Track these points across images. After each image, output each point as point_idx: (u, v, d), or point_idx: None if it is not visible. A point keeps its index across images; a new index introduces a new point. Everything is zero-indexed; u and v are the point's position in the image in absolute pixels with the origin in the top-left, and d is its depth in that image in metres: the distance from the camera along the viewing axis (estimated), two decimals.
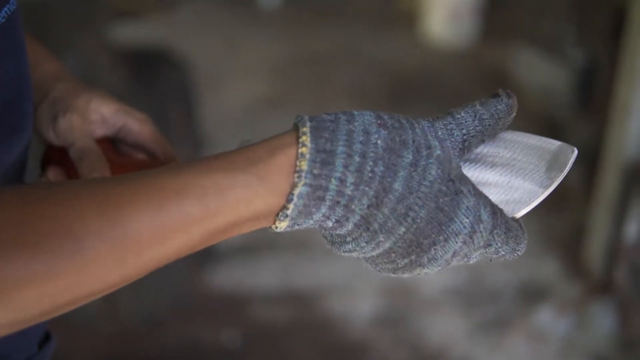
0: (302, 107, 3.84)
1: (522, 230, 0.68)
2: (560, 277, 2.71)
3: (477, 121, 0.67)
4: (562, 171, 0.70)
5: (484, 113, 0.68)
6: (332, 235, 0.66)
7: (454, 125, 0.66)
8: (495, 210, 0.66)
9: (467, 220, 0.63)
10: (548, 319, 2.52)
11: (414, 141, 0.63)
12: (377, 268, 0.68)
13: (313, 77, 4.20)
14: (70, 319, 2.42)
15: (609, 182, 2.54)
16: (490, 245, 0.66)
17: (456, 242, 0.63)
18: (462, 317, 2.56)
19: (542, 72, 3.43)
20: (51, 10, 2.18)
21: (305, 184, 0.60)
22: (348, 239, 0.65)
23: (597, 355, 2.39)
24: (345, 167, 0.61)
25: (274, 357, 2.41)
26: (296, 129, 0.63)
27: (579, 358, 2.39)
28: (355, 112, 0.64)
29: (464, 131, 0.67)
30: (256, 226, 0.63)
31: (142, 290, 2.44)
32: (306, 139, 0.61)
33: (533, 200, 0.70)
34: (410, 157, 0.62)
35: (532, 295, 2.64)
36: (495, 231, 0.65)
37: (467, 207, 0.63)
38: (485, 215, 0.64)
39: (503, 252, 0.67)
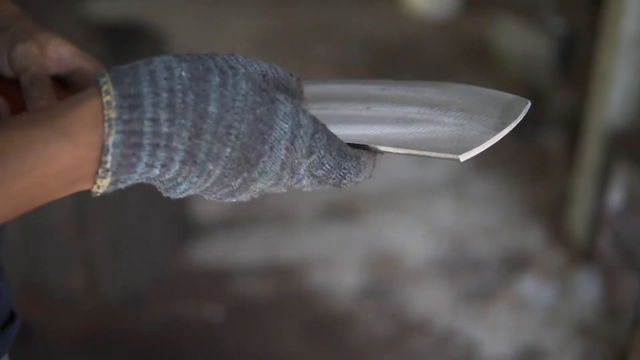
0: None
1: (357, 159, 0.69)
2: (544, 246, 2.71)
3: (273, 68, 0.70)
4: (516, 118, 0.70)
5: (278, 68, 0.71)
6: (162, 182, 0.65)
7: (253, 61, 0.68)
8: (316, 118, 0.67)
9: (287, 126, 0.64)
10: (531, 288, 2.52)
11: (217, 65, 0.63)
12: (215, 197, 0.68)
13: (295, 50, 4.16)
14: (50, 294, 2.42)
15: (591, 150, 2.54)
16: (312, 152, 0.66)
17: (280, 150, 0.64)
18: (446, 288, 2.56)
19: (522, 41, 3.42)
20: None
21: (117, 132, 0.59)
22: (179, 179, 0.64)
23: (581, 323, 2.40)
24: (155, 105, 0.60)
25: (257, 332, 2.41)
26: (97, 83, 0.60)
27: (563, 327, 2.40)
28: (153, 57, 0.63)
29: (263, 67, 0.69)
30: (75, 186, 0.61)
31: (122, 265, 2.42)
32: (108, 87, 0.59)
33: (485, 141, 0.70)
34: (217, 79, 0.62)
35: (515, 264, 2.64)
36: (317, 136, 0.66)
37: (285, 112, 0.64)
38: (304, 120, 0.65)
39: (329, 166, 0.68)
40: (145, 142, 0.60)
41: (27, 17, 0.86)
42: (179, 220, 2.66)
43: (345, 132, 0.71)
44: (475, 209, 2.91)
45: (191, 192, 0.66)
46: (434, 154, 0.69)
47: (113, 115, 0.58)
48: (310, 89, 0.75)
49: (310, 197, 2.87)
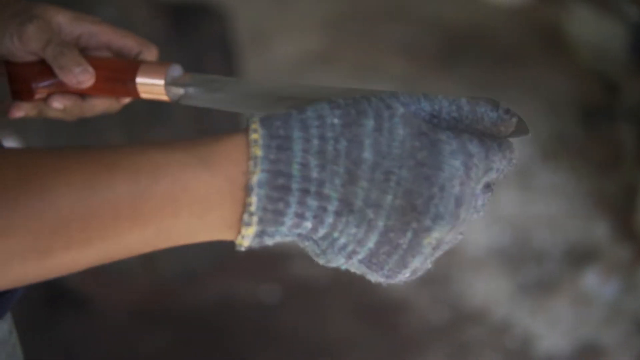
0: (351, 63, 3.79)
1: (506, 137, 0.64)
2: (610, 239, 2.64)
3: (454, 107, 0.62)
4: None
5: (464, 105, 0.62)
6: (317, 243, 0.60)
7: (422, 98, 0.61)
8: (482, 137, 0.61)
9: (457, 162, 0.58)
10: (594, 282, 2.46)
11: (372, 107, 0.58)
12: (386, 271, 0.62)
13: (363, 32, 4.14)
14: (107, 268, 2.44)
15: None
16: (491, 169, 0.61)
17: (453, 187, 0.58)
18: (506, 278, 2.51)
19: (596, 29, 3.34)
20: None
21: (263, 171, 0.56)
22: (335, 234, 0.59)
23: None
24: (305, 151, 0.56)
25: (311, 314, 2.40)
26: (246, 123, 0.58)
27: (625, 323, 2.34)
28: (306, 105, 0.59)
29: (435, 107, 0.62)
30: (215, 230, 0.58)
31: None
32: (256, 126, 0.57)
33: None
34: (372, 122, 0.57)
35: (579, 257, 2.58)
36: (490, 153, 0.60)
37: (452, 150, 0.58)
38: (474, 148, 0.59)
39: (503, 168, 0.62)
40: (294, 186, 0.56)
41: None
42: None
43: None
44: (540, 199, 2.85)
45: (350, 249, 0.60)
46: None
47: (259, 153, 0.56)
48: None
49: None
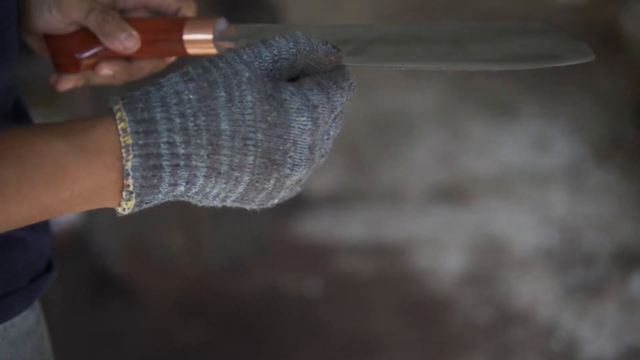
0: None
1: (342, 66, 0.68)
2: None
3: (291, 43, 0.66)
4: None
5: (300, 38, 0.67)
6: (191, 197, 0.65)
7: (262, 48, 0.65)
8: (319, 81, 0.65)
9: (304, 118, 0.64)
10: None
11: (221, 76, 0.63)
12: (257, 202, 0.68)
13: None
14: (153, 256, 2.46)
15: None
16: (335, 108, 0.66)
17: (305, 139, 0.64)
18: (553, 280, 2.48)
19: None
20: None
21: (135, 156, 0.60)
22: (207, 189, 0.64)
23: None
24: (170, 130, 0.60)
25: (354, 309, 2.39)
26: (110, 110, 0.61)
27: None
28: (162, 79, 0.63)
29: (274, 52, 0.65)
30: (97, 204, 0.62)
31: (226, 232, 2.44)
32: (122, 114, 0.60)
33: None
34: (223, 94, 0.62)
35: (628, 261, 2.53)
36: (331, 95, 0.65)
37: (297, 108, 0.63)
38: (315, 98, 0.64)
39: (346, 99, 0.67)
40: (165, 163, 0.61)
41: None
42: None
43: None
44: (591, 200, 2.80)
45: (223, 196, 0.66)
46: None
47: (129, 141, 0.60)
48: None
49: (420, 177, 2.82)
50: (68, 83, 0.83)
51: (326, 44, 0.68)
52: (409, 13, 4.24)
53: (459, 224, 2.70)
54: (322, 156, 0.68)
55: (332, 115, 0.66)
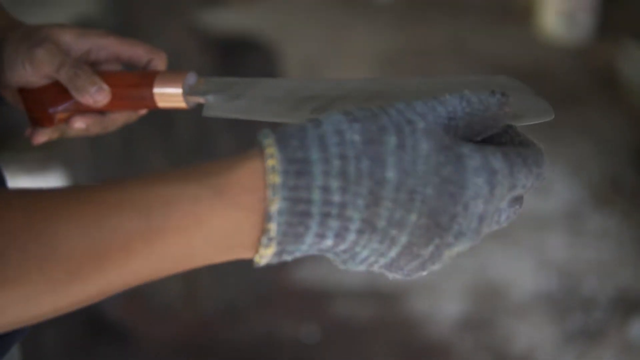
0: None
1: (537, 146, 0.62)
2: None
3: (464, 102, 0.60)
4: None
5: (471, 97, 0.60)
6: (337, 254, 0.59)
7: (436, 103, 0.59)
8: (506, 151, 0.59)
9: (481, 180, 0.56)
10: None
11: (392, 122, 0.56)
12: (405, 272, 0.61)
13: (419, 70, 4.13)
14: (149, 302, 2.45)
15: None
16: (515, 186, 0.59)
17: (477, 206, 0.57)
18: (551, 325, 2.46)
19: None
20: None
21: (282, 199, 0.54)
22: (357, 248, 0.57)
23: None
24: (326, 173, 0.54)
25: (352, 355, 2.37)
26: (259, 143, 0.56)
27: None
28: (322, 117, 0.57)
29: (449, 108, 0.59)
30: (232, 253, 0.57)
31: (223, 278, 2.43)
32: (273, 150, 0.54)
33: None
34: (394, 139, 0.55)
35: (628, 306, 2.52)
36: (515, 169, 0.59)
37: (475, 167, 0.57)
38: (497, 164, 0.57)
39: (530, 184, 0.61)
40: (315, 210, 0.54)
41: (16, 20, 0.84)
42: None
43: None
44: (590, 245, 2.80)
45: (373, 259, 0.59)
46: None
47: (278, 180, 0.54)
48: None
49: None
50: (43, 136, 0.83)
51: (494, 95, 0.62)
52: (410, 55, 4.27)
53: (457, 268, 2.69)
54: (481, 235, 0.61)
55: (510, 194, 0.60)
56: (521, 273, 2.66)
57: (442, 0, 5.08)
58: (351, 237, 0.56)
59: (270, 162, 0.54)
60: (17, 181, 2.47)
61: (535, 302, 2.55)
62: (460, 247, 0.59)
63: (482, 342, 2.40)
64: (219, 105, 0.75)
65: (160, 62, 0.83)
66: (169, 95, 0.79)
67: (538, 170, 0.60)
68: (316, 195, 0.54)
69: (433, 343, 2.39)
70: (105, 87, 0.78)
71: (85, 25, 2.13)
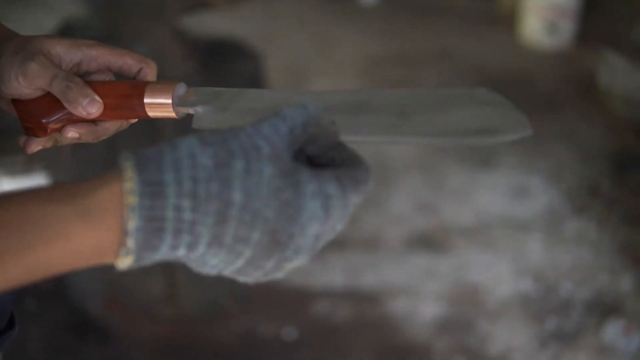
0: None
1: (364, 164, 0.67)
2: (634, 293, 2.62)
3: (301, 110, 0.66)
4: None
5: (310, 106, 0.66)
6: (191, 261, 0.64)
7: (278, 121, 0.65)
8: (339, 175, 0.64)
9: (317, 204, 0.62)
10: (617, 335, 2.44)
11: (241, 147, 0.62)
12: (249, 278, 0.67)
13: (403, 76, 4.16)
14: (130, 302, 2.47)
15: None
16: (347, 205, 0.65)
17: (312, 226, 0.63)
18: (528, 328, 2.50)
19: (629, 78, 3.33)
20: (125, 2, 2.21)
21: (139, 217, 0.59)
22: (207, 257, 0.63)
23: None
24: (178, 194, 0.60)
25: (331, 355, 2.40)
26: (119, 167, 0.61)
27: None
28: (178, 141, 0.62)
29: (288, 123, 0.65)
30: (96, 261, 0.62)
31: (204, 278, 2.45)
32: (130, 173, 0.60)
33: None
34: (241, 163, 0.61)
35: (603, 309, 2.56)
36: (347, 191, 0.64)
37: (312, 192, 0.62)
38: (331, 189, 0.63)
39: (359, 199, 0.66)
40: (168, 226, 0.60)
41: (9, 31, 0.87)
42: None
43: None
44: (567, 249, 2.84)
45: (221, 267, 0.65)
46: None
47: (134, 201, 0.59)
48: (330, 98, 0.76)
49: (399, 225, 2.85)
50: (37, 145, 0.86)
51: (326, 118, 0.68)
52: (394, 61, 4.29)
53: (436, 271, 2.72)
54: (318, 250, 0.67)
55: (343, 212, 0.65)
56: (499, 276, 2.69)
57: (426, 6, 5.11)
58: (201, 249, 0.62)
59: (128, 185, 0.59)
60: (0, 184, 2.48)
61: (512, 305, 2.58)
62: (299, 261, 0.65)
63: (460, 344, 2.43)
64: (208, 117, 0.80)
65: (150, 72, 0.86)
66: (159, 105, 0.82)
67: (366, 188, 0.66)
68: (169, 213, 0.59)
69: (411, 344, 2.42)
70: (97, 98, 0.82)
71: (71, 28, 2.14)
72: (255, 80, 2.48)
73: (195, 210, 0.60)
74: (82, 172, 2.22)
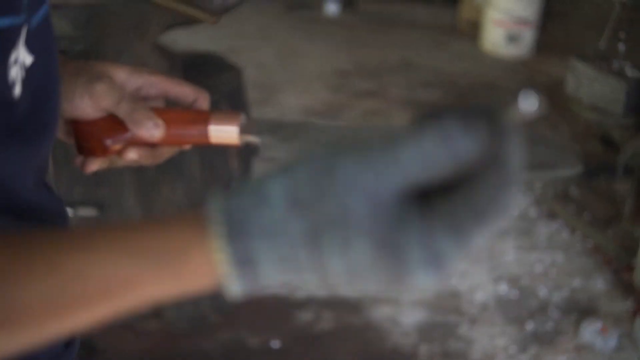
0: (358, 117, 3.85)
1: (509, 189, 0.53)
2: (609, 293, 2.68)
3: (442, 146, 0.53)
4: None
5: (455, 131, 0.53)
6: None
7: (388, 168, 0.53)
8: (457, 220, 0.53)
9: (427, 278, 0.53)
10: (594, 336, 2.48)
11: (336, 206, 0.53)
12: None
13: (370, 87, 4.20)
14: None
15: None
16: (467, 247, 0.53)
17: (425, 282, 0.53)
18: (508, 331, 2.54)
19: (595, 85, 3.40)
20: (108, 15, 2.22)
21: (236, 284, 0.54)
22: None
23: None
24: (273, 268, 0.54)
25: None
26: (207, 225, 0.55)
27: None
28: (267, 187, 0.55)
29: (404, 171, 0.53)
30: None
31: None
32: (221, 245, 0.54)
33: None
34: (336, 239, 0.53)
35: (578, 311, 2.61)
36: (466, 240, 0.53)
37: (419, 259, 0.53)
38: (447, 255, 0.52)
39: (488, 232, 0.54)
40: (272, 283, 0.55)
41: (76, 61, 0.87)
42: None
43: None
44: (541, 253, 2.89)
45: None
46: None
47: (229, 271, 0.54)
48: None
49: None
50: (94, 165, 0.86)
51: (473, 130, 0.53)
52: (360, 74, 4.33)
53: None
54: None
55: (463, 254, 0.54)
56: (476, 282, 2.73)
57: (389, 17, 5.17)
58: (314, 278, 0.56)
59: (220, 257, 0.54)
60: None
61: (491, 309, 2.62)
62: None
63: (442, 349, 2.46)
64: (275, 145, 0.81)
65: (204, 102, 0.88)
66: (225, 132, 0.84)
67: (496, 224, 0.53)
68: (268, 276, 0.54)
69: (393, 349, 2.44)
70: (161, 122, 0.83)
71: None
72: (236, 94, 2.50)
73: (296, 275, 0.54)
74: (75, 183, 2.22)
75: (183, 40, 3.46)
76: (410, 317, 2.57)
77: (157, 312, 2.43)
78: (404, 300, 2.64)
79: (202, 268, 0.54)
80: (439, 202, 0.53)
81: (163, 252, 0.55)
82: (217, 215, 0.54)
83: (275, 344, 2.44)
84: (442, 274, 0.53)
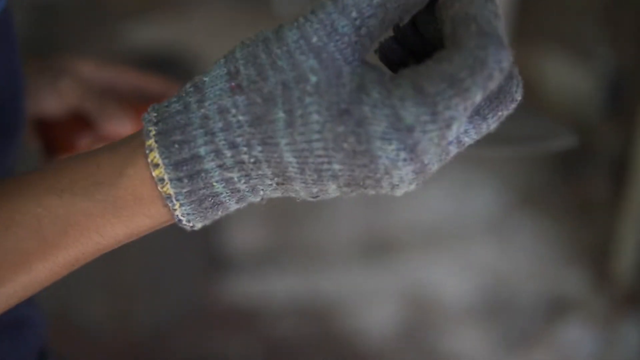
0: None
1: (499, 44, 0.47)
2: (588, 290, 2.63)
3: None
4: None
5: None
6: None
7: (335, 15, 0.47)
8: (421, 82, 0.45)
9: (392, 146, 0.45)
10: (574, 335, 2.45)
11: (279, 82, 0.47)
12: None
13: None
14: (75, 326, 2.38)
15: (638, 191, 2.47)
16: (453, 120, 0.46)
17: (401, 170, 0.46)
18: (484, 332, 2.49)
19: (569, 75, 3.37)
20: (61, 13, 2.18)
21: (186, 204, 0.49)
22: (290, 193, 0.51)
23: None
24: (221, 167, 0.48)
25: None
26: (141, 138, 0.51)
27: None
28: (205, 83, 0.49)
29: (353, 14, 0.47)
30: (149, 227, 0.53)
31: (151, 297, 2.39)
32: (155, 156, 0.49)
33: None
34: (282, 115, 0.47)
35: (557, 309, 2.57)
36: (440, 106, 0.45)
37: (382, 132, 0.45)
38: (409, 116, 0.45)
39: (486, 93, 0.47)
40: (225, 199, 0.50)
41: (39, 59, 0.86)
42: (211, 254, 2.62)
43: None
44: (517, 250, 2.84)
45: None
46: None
47: (171, 192, 0.49)
48: None
49: (347, 234, 2.82)
50: None
51: None
52: None
53: (386, 280, 2.70)
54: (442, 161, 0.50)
55: (454, 127, 0.47)
56: (450, 281, 2.68)
57: None
58: (277, 193, 0.51)
59: (157, 173, 0.49)
60: None
61: (466, 310, 2.58)
62: (406, 189, 0.49)
63: (417, 352, 2.41)
64: None
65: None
66: None
67: (487, 73, 0.46)
68: (219, 187, 0.49)
69: (367, 355, 2.40)
70: (129, 116, 0.82)
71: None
72: None
73: (249, 177, 0.49)
74: None
75: (134, 35, 3.39)
76: (382, 322, 2.52)
77: (119, 322, 2.37)
78: (377, 303, 2.59)
79: (142, 190, 0.50)
80: (405, 71, 0.46)
81: (96, 179, 0.50)
82: (148, 127, 0.50)
83: (242, 354, 2.39)
84: (414, 152, 0.45)
